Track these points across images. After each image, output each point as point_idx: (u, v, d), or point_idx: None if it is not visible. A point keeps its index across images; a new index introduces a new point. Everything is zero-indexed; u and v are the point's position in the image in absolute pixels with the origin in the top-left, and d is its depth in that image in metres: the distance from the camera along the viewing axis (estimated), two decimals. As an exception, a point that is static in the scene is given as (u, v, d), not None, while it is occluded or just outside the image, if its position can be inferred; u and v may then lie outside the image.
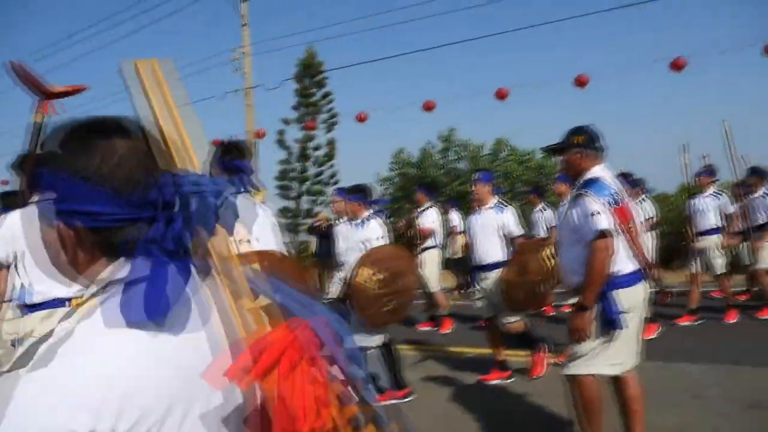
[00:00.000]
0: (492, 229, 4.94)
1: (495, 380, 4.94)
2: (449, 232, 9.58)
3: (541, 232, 7.83)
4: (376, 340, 4.41)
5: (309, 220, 23.03)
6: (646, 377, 4.69)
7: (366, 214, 4.64)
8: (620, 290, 2.80)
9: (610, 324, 2.77)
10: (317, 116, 23.88)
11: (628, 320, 2.81)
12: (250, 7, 17.78)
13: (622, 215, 2.82)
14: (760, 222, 7.11)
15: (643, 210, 6.90)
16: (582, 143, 3.04)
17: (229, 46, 18.29)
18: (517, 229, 4.97)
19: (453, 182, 17.33)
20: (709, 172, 7.08)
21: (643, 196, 7.81)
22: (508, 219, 4.93)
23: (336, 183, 24.78)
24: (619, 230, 2.79)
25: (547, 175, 16.01)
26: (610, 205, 2.79)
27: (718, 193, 6.97)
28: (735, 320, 6.63)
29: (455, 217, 11.24)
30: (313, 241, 14.48)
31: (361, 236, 4.54)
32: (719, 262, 6.78)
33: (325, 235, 13.24)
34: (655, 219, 8.09)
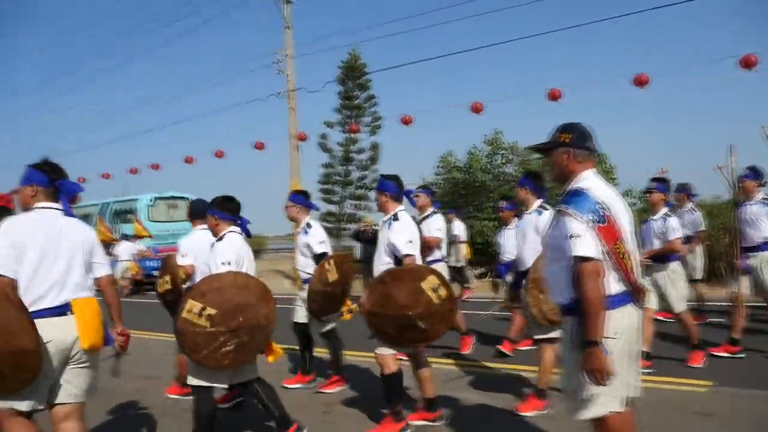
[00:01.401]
0: (381, 244, 4.21)
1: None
2: (451, 241, 9.15)
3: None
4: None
5: (352, 225, 22.89)
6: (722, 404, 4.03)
7: (226, 231, 3.99)
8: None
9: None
10: (360, 119, 23.59)
11: (612, 345, 2.40)
12: (293, 9, 17.65)
13: (608, 234, 2.44)
14: None
15: (693, 223, 6.03)
16: (569, 142, 2.66)
17: (272, 49, 18.17)
18: (404, 248, 4.00)
19: (501, 186, 16.62)
20: (754, 174, 5.82)
21: (691, 205, 6.96)
22: (393, 235, 4.08)
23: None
24: (604, 252, 2.42)
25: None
26: (593, 222, 2.43)
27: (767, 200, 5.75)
28: None
29: (459, 226, 10.73)
30: (357, 246, 14.18)
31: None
32: None
33: (370, 241, 12.92)
34: (705, 231, 7.09)
